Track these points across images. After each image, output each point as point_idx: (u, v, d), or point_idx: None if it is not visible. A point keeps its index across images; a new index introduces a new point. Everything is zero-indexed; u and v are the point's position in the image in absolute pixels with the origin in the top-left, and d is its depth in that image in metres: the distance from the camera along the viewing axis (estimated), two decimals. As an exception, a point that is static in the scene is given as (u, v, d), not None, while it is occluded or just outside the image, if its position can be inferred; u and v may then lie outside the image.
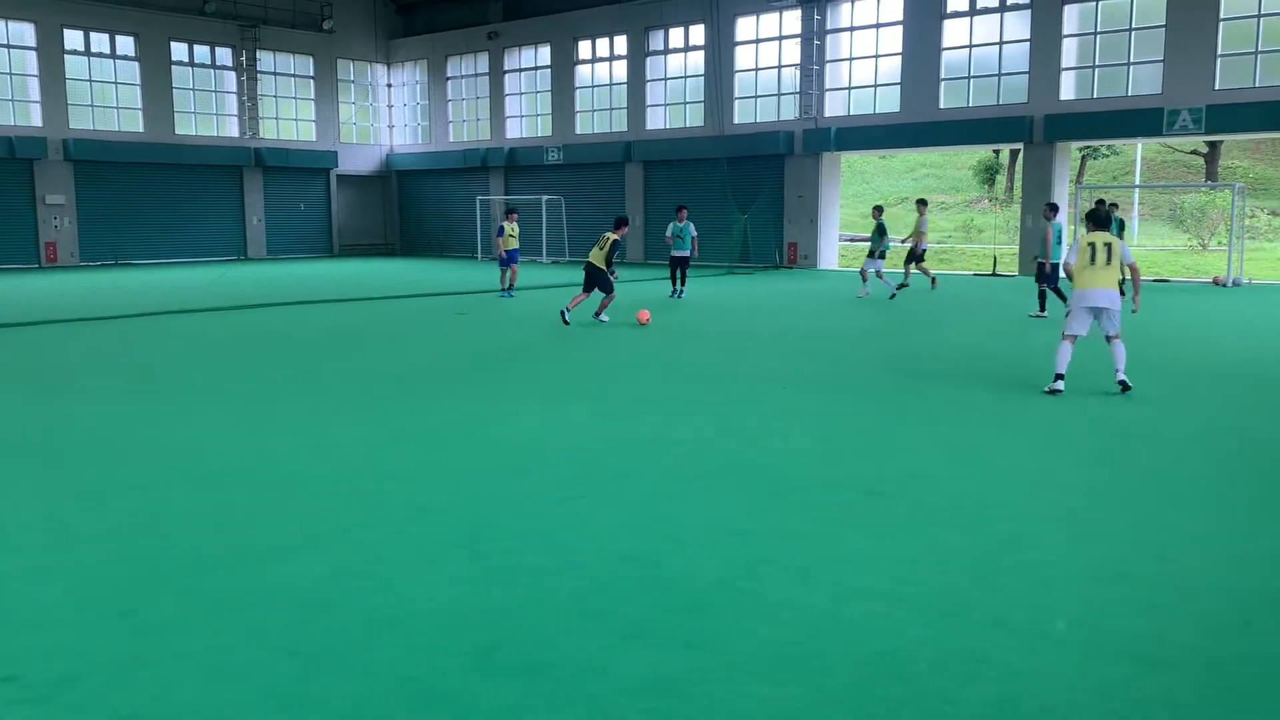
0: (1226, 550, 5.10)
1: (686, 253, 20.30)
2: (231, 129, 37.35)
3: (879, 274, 20.12)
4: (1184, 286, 23.94)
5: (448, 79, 39.74)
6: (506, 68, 37.73)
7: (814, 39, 29.86)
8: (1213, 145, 40.48)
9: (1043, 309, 16.21)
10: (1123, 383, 9.36)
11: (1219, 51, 23.91)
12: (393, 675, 3.72)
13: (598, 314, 15.67)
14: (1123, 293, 9.72)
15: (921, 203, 21.37)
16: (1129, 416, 8.51)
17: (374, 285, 23.70)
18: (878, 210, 21.20)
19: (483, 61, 38.42)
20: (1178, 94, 24.23)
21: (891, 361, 11.72)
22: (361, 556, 5.03)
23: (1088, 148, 43.16)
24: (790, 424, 8.23)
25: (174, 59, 35.64)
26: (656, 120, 34.12)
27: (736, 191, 31.42)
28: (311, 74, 39.17)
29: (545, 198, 34.77)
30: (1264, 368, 11.06)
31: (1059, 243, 15.91)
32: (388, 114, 41.78)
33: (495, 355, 12.46)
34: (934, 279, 22.16)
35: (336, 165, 39.66)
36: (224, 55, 36.95)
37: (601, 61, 35.33)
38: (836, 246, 31.66)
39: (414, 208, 41.68)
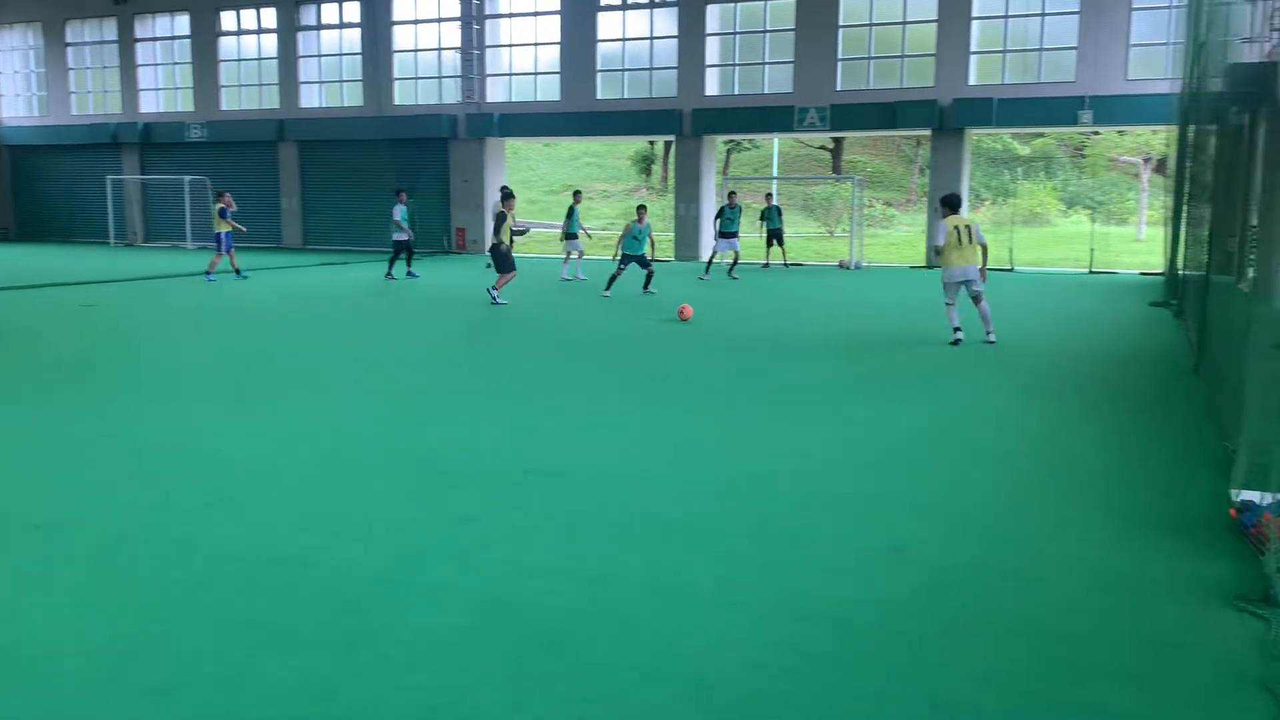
0: (861, 505, 5.66)
1: (409, 236, 20.79)
2: None
3: (579, 255, 21.56)
4: (815, 269, 26.37)
5: (67, 45, 35.66)
6: (138, 36, 34.47)
7: (473, 23, 29.76)
8: (837, 141, 44.84)
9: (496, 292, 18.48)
10: (990, 340, 11.65)
11: (839, 56, 26.48)
12: (-5, 714, 3.29)
13: (493, 289, 16.07)
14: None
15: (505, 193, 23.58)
16: (787, 382, 9.22)
17: (-19, 275, 20.85)
18: (577, 195, 22.45)
19: (110, 28, 34.84)
20: (806, 93, 26.57)
21: (558, 342, 11.96)
22: (-42, 583, 4.41)
23: (731, 141, 46.29)
24: (456, 410, 8.16)
25: None
26: (312, 98, 32.60)
27: (400, 175, 30.71)
28: (-109, 30, 33.73)
29: (188, 178, 32.20)
30: (881, 333, 12.43)
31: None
32: (-6, 81, 36.86)
33: (125, 349, 11.38)
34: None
35: (-71, 137, 34.49)
36: None
37: (249, 34, 33.18)
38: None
39: (32, 186, 37.09)
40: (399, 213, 20.60)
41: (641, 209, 18.61)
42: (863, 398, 8.88)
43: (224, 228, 19.88)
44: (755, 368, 10.24)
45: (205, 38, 33.43)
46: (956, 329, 11.66)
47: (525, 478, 6.14)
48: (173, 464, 6.42)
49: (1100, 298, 18.36)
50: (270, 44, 32.75)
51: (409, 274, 21.00)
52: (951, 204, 11.75)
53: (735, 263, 22.12)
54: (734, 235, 21.89)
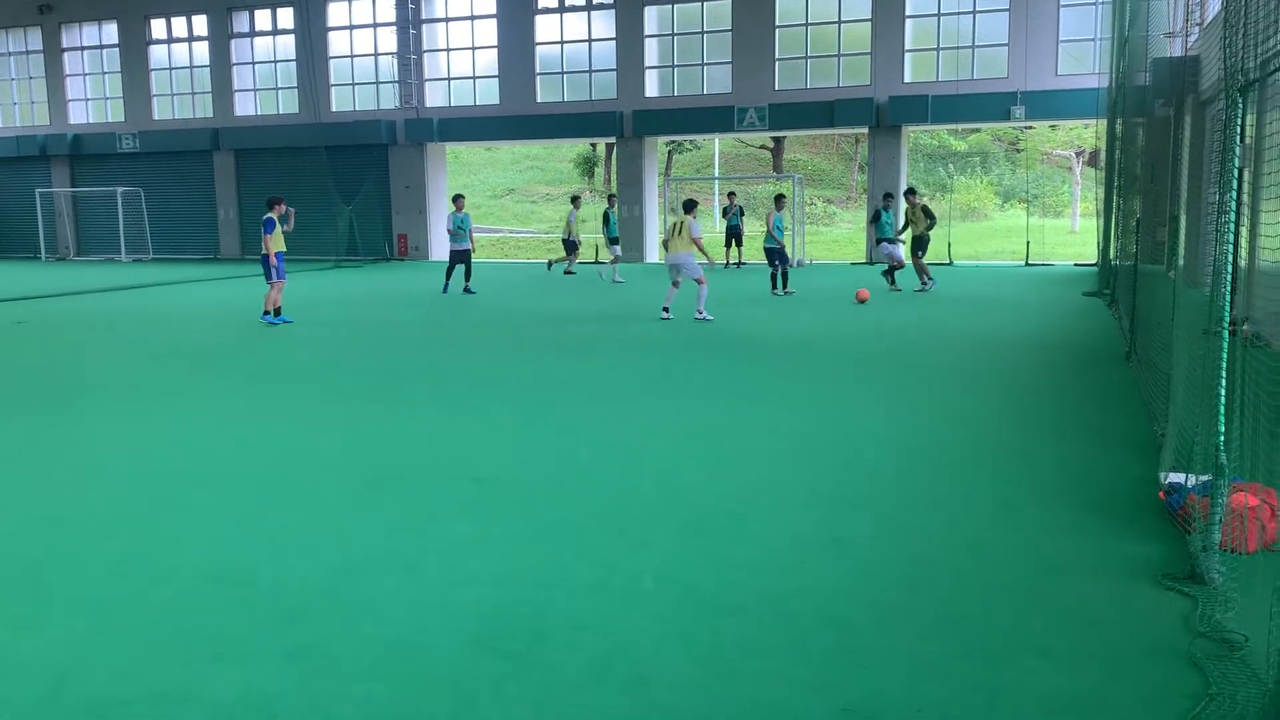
0: (787, 499, 5.73)
1: (467, 246, 19.37)
2: None
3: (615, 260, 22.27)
4: (758, 268, 26.53)
5: (-9, 55, 34.82)
6: (65, 45, 33.73)
7: (410, 28, 29.56)
8: (777, 140, 45.19)
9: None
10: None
11: (777, 56, 26.73)
12: (-73, 741, 3.21)
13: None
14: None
15: (575, 199, 23.17)
16: (703, 382, 9.29)
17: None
18: (611, 198, 23.78)
19: (34, 37, 34.07)
20: (745, 93, 26.79)
21: (495, 348, 11.93)
22: (-114, 609, 4.29)
23: (673, 142, 46.44)
24: (394, 419, 8.12)
25: None
26: (247, 106, 32.16)
27: (339, 182, 30.43)
28: None
29: (120, 189, 31.59)
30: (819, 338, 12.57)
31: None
32: (-86, 93, 35.82)
33: (48, 364, 11.13)
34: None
35: None
36: None
37: (180, 42, 32.63)
38: (448, 237, 31.61)
39: (-43, 202, 36.13)
40: (451, 221, 19.33)
41: (780, 198, 17.68)
42: (805, 389, 8.97)
43: (278, 246, 14.70)
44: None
45: (135, 46, 32.82)
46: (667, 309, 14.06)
47: (471, 486, 6.12)
48: (101, 476, 6.30)
49: (1036, 289, 18.74)
50: (202, 52, 32.25)
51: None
52: (687, 207, 14.41)
53: (894, 269, 18.89)
54: (891, 240, 19.05)
